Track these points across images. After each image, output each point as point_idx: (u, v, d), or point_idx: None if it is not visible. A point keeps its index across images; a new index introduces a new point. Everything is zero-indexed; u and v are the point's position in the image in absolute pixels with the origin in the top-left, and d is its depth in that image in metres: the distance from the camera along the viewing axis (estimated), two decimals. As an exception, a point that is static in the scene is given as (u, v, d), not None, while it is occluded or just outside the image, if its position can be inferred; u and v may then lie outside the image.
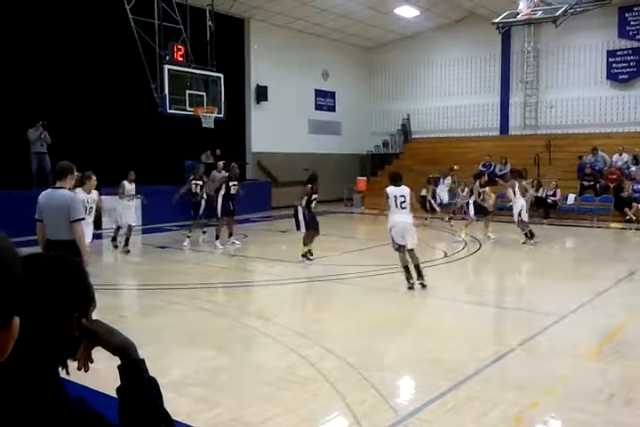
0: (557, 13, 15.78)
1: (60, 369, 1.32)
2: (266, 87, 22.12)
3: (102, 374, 2.32)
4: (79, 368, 1.37)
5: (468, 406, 4.47)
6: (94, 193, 9.05)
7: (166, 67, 14.84)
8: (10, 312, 1.02)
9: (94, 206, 9.00)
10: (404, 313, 7.91)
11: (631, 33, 20.74)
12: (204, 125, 15.81)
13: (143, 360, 1.43)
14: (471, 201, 14.19)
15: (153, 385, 1.41)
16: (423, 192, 15.14)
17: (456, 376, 5.04)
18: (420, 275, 8.75)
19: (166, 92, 14.81)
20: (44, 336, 1.26)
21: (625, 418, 4.37)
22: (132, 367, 1.40)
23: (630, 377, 5.23)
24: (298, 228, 11.19)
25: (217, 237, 12.93)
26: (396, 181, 8.66)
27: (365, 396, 4.65)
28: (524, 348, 5.96)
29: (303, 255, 10.96)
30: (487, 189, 14.41)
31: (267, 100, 22.17)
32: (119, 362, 1.41)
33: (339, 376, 5.06)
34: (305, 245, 11.03)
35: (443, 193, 17.88)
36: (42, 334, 1.25)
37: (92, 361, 1.39)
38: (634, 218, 17.07)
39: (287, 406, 4.51)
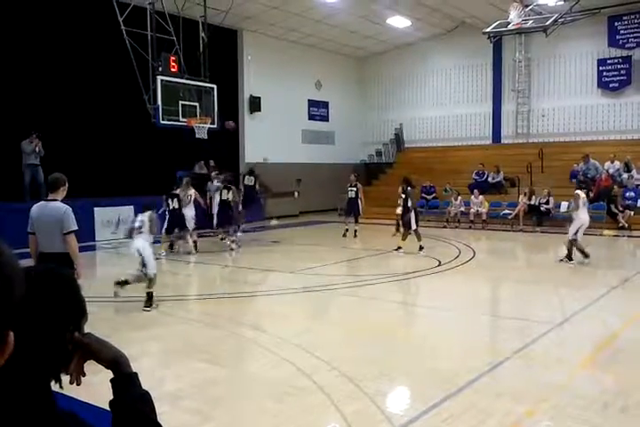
0: (547, 23, 15.94)
1: (53, 383, 1.32)
2: (259, 98, 22.18)
3: (95, 387, 2.31)
4: (71, 382, 1.37)
5: (463, 415, 4.46)
6: None
7: (159, 78, 14.85)
8: (4, 327, 1.02)
9: None
10: (397, 323, 7.90)
11: (621, 42, 20.91)
12: (197, 136, 15.80)
13: (136, 373, 1.42)
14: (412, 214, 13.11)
15: (146, 399, 1.40)
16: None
17: (451, 386, 5.03)
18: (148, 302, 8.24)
19: (159, 102, 14.81)
20: (37, 350, 1.25)
21: (620, 426, 4.37)
22: (125, 381, 1.40)
23: (625, 385, 5.22)
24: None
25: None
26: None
27: (360, 406, 4.63)
28: (519, 356, 5.95)
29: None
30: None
31: (260, 110, 22.22)
32: (112, 375, 1.40)
33: (333, 387, 5.04)
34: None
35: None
36: (34, 347, 1.25)
37: (84, 375, 1.39)
38: (626, 225, 17.15)
39: (282, 418, 4.48)
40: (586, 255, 11.43)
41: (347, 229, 16.29)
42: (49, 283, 1.31)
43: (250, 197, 16.18)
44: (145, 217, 8.53)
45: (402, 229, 13.55)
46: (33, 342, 1.24)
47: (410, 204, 13.00)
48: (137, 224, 8.48)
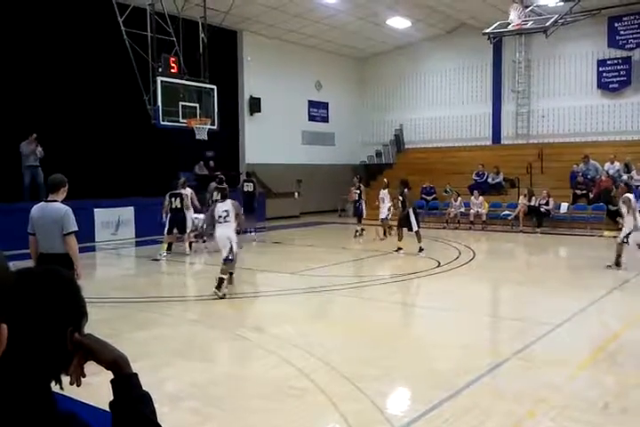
0: (548, 24, 15.94)
1: (53, 384, 1.32)
2: (259, 99, 22.19)
3: (96, 387, 2.31)
4: (71, 383, 1.37)
5: (464, 416, 4.46)
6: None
7: (159, 79, 14.87)
8: None
9: None
10: (398, 324, 7.90)
11: (621, 42, 20.93)
12: (197, 137, 15.82)
13: (136, 374, 1.42)
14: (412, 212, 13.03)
15: (146, 400, 1.40)
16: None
17: (451, 386, 5.03)
18: (218, 285, 8.81)
19: (159, 103, 14.82)
20: (37, 350, 1.25)
21: (621, 427, 4.37)
22: (125, 382, 1.40)
23: (625, 385, 5.22)
24: None
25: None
26: (223, 197, 9.34)
27: (361, 407, 4.63)
28: (520, 357, 5.95)
29: None
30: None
31: (260, 111, 22.23)
32: (112, 376, 1.40)
33: (334, 388, 5.04)
34: None
35: (384, 207, 15.81)
36: (34, 348, 1.25)
37: (84, 376, 1.38)
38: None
39: (282, 419, 4.48)
40: (618, 263, 10.97)
41: (363, 230, 16.54)
42: (49, 284, 1.31)
43: (249, 204, 15.80)
44: (229, 206, 8.90)
45: (391, 230, 13.61)
46: (33, 342, 1.24)
47: (407, 205, 13.04)
48: (223, 213, 8.85)
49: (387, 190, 15.85)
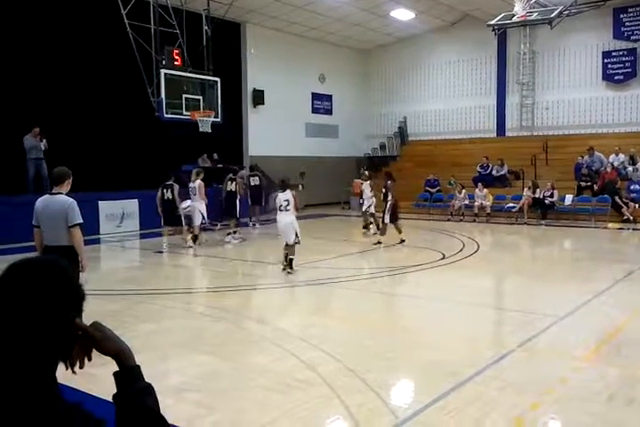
0: (552, 15, 15.85)
1: (64, 369, 1.33)
2: (262, 91, 22.15)
3: (100, 379, 2.31)
4: (73, 365, 1.38)
5: (468, 408, 4.46)
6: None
7: (163, 71, 14.84)
8: None
9: None
10: (401, 316, 7.91)
11: (626, 34, 20.80)
12: (201, 129, 15.81)
13: (138, 366, 1.43)
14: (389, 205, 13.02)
15: (149, 391, 1.41)
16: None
17: (456, 378, 5.03)
18: (289, 265, 9.99)
19: (163, 96, 14.81)
20: (44, 339, 1.25)
21: (626, 418, 4.37)
22: (128, 374, 1.40)
23: (630, 377, 5.22)
24: None
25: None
26: (283, 187, 10.02)
27: (365, 399, 4.64)
28: (524, 349, 5.95)
29: None
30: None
31: (263, 103, 22.19)
32: (116, 368, 1.40)
33: (338, 380, 5.05)
34: None
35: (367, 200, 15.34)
36: (42, 336, 1.25)
37: (89, 359, 1.39)
38: (631, 218, 17.10)
39: (287, 411, 4.49)
40: None
41: (370, 223, 16.22)
42: (44, 271, 1.31)
43: (258, 198, 16.14)
44: (288, 195, 9.70)
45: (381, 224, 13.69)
46: (38, 330, 1.24)
47: (389, 197, 13.04)
48: (284, 203, 9.69)
49: (368, 182, 15.35)
